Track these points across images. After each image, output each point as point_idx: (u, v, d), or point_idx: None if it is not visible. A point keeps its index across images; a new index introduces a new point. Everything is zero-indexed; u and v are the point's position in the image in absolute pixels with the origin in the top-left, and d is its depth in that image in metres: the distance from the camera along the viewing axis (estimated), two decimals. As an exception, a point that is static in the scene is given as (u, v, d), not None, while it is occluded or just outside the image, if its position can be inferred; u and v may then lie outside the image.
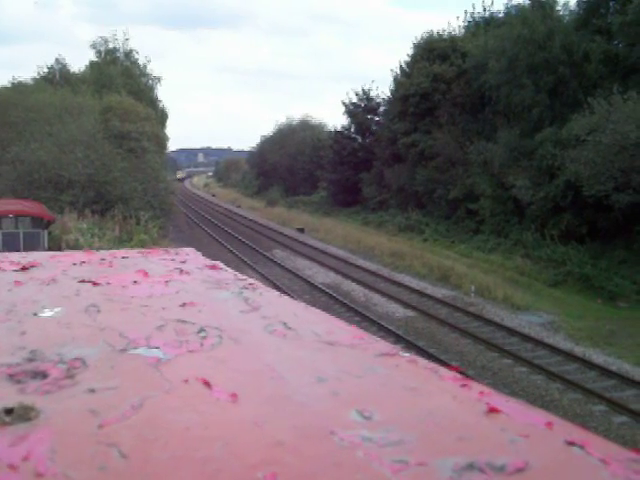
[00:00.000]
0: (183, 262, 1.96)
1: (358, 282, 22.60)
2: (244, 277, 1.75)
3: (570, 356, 14.55)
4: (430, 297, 20.38)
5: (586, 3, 29.92)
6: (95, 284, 1.57)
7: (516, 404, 0.86)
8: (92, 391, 0.86)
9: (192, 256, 2.10)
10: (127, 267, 1.85)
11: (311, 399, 0.85)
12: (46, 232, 23.19)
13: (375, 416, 0.79)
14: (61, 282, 1.61)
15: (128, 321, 1.23)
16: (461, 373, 0.99)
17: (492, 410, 0.82)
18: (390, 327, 16.72)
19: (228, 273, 1.81)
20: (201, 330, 1.16)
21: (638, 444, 10.17)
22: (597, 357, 14.63)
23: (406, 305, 19.26)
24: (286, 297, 1.56)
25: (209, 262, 1.97)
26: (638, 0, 24.81)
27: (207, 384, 0.88)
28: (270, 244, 32.87)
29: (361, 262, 27.15)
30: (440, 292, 21.36)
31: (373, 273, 24.45)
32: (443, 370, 0.98)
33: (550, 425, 0.78)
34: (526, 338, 16.02)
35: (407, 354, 1.06)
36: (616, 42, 27.73)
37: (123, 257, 2.03)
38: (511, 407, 0.84)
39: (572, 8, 31.77)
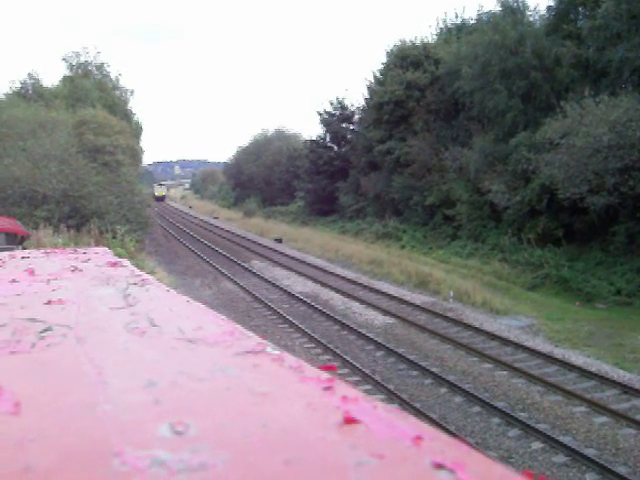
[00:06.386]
0: (85, 261, 1.90)
1: (337, 290, 22.51)
2: (140, 273, 1.67)
3: (550, 358, 14.55)
4: (409, 304, 20.33)
5: (556, 9, 30.25)
6: None
7: (384, 412, 0.72)
8: None
9: (99, 255, 2.05)
10: (18, 267, 1.79)
11: (121, 409, 0.70)
12: (20, 248, 22.91)
13: (190, 431, 0.64)
14: None
15: None
16: (331, 372, 0.85)
17: (349, 421, 0.68)
18: (369, 335, 16.64)
19: (126, 270, 1.73)
20: (47, 329, 1.06)
21: (619, 444, 10.17)
22: (576, 359, 14.66)
23: (385, 312, 19.19)
24: (173, 292, 1.47)
25: (114, 260, 1.90)
26: (606, 5, 25.10)
27: None
28: (248, 255, 32.72)
29: (339, 270, 27.08)
30: (419, 298, 21.34)
31: (351, 281, 24.38)
32: (310, 370, 0.84)
33: (418, 440, 0.64)
34: (506, 342, 16.02)
35: (276, 351, 0.93)
36: (586, 46, 28.00)
37: (23, 257, 1.99)
38: (376, 416, 0.70)
39: (542, 13, 32.14)
